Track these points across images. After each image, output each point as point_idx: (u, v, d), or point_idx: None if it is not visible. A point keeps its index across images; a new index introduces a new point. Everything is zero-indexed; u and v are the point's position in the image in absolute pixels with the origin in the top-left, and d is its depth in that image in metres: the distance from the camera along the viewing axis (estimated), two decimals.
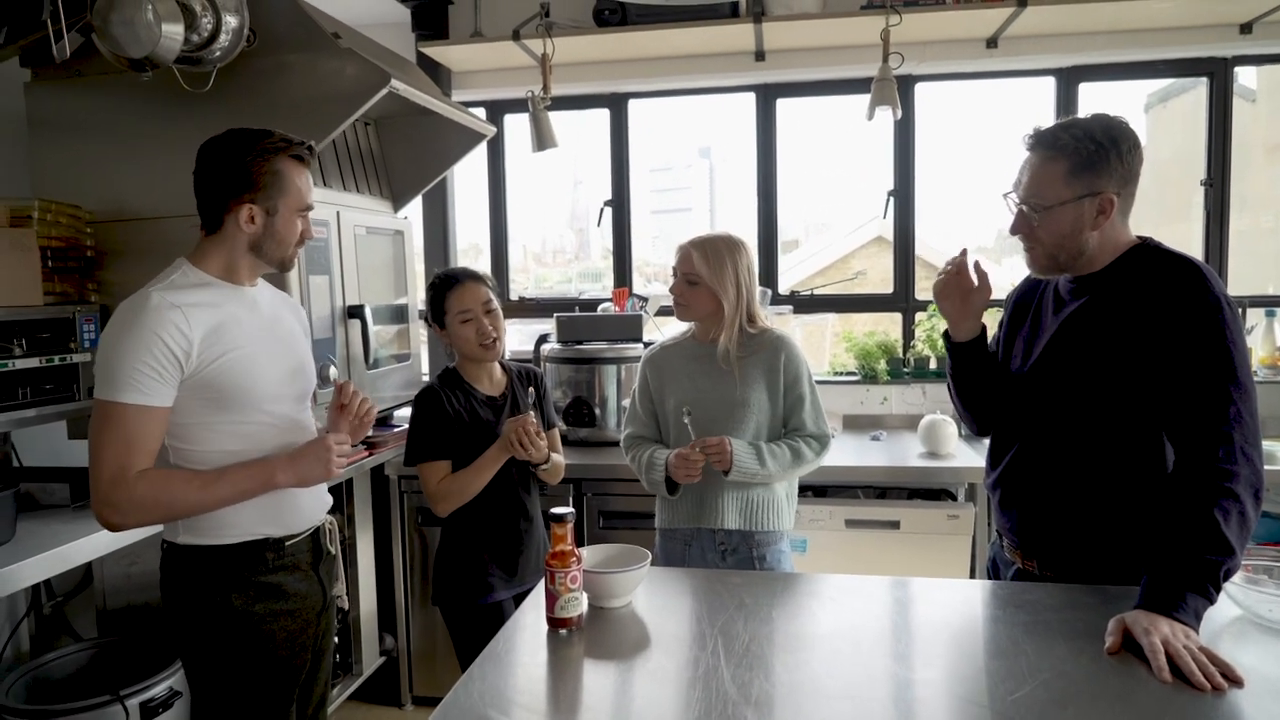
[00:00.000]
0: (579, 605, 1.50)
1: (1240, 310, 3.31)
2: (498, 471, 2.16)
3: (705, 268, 2.11)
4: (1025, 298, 1.80)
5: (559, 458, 2.32)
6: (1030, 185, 1.58)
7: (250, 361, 1.65)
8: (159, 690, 2.31)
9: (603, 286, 3.90)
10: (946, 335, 1.81)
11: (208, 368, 1.59)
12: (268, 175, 1.64)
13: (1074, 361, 1.62)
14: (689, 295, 2.15)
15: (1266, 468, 1.46)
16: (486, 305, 2.21)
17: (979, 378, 1.80)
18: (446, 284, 2.23)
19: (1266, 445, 2.56)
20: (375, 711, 3.22)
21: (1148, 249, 1.60)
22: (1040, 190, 1.56)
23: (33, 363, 2.20)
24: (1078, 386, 1.61)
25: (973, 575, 2.76)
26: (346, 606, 1.94)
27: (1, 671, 2.47)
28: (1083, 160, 1.52)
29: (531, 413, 2.15)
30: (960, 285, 1.74)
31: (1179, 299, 1.50)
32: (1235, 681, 1.26)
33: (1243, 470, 1.43)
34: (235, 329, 1.64)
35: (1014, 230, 1.63)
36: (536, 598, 1.63)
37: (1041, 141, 1.56)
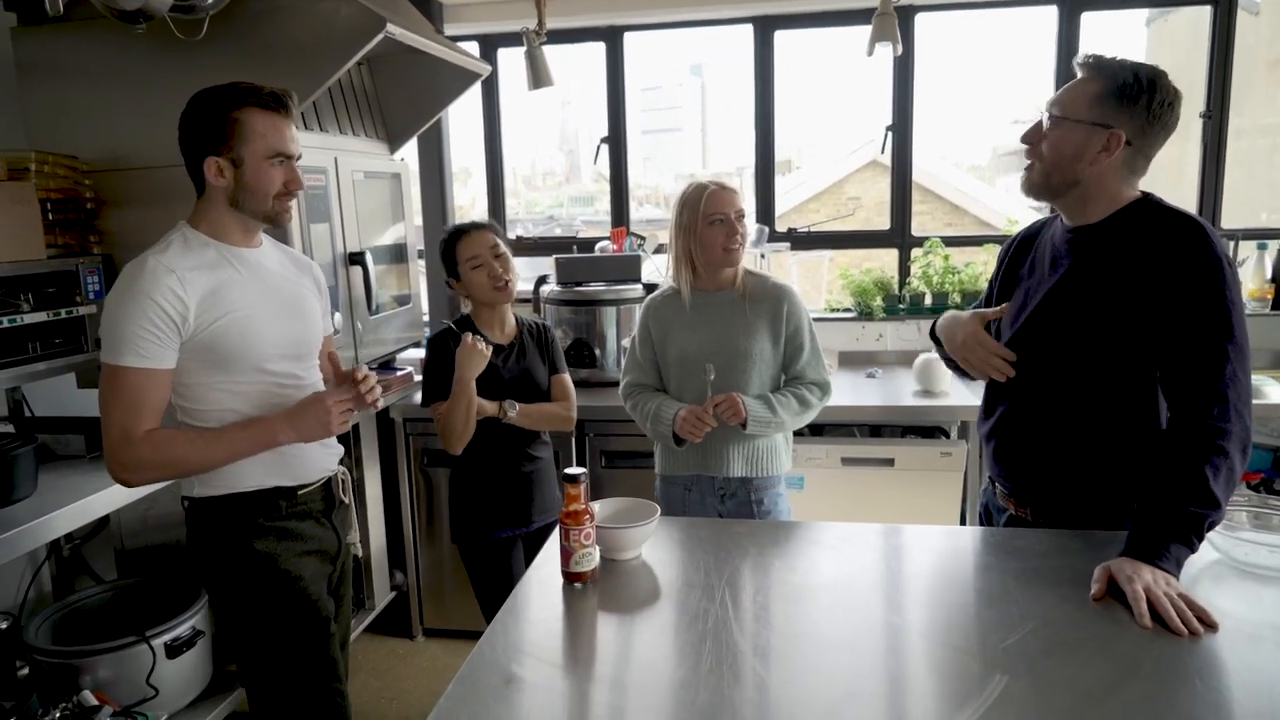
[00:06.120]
0: (592, 560, 1.57)
1: (1234, 242, 3.35)
2: (501, 423, 2.26)
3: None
4: (1026, 243, 1.82)
5: (553, 407, 2.37)
6: (1061, 95, 1.62)
7: (248, 323, 1.67)
8: (182, 630, 2.40)
9: (595, 210, 3.88)
10: (937, 342, 1.87)
11: (205, 330, 1.62)
12: (230, 125, 1.63)
13: (1071, 316, 1.64)
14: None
15: (1256, 402, 1.51)
16: (494, 249, 2.28)
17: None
18: (455, 237, 2.32)
19: (1256, 379, 2.64)
20: (388, 643, 3.36)
21: (1149, 205, 1.61)
22: (1067, 102, 1.60)
23: (40, 317, 2.22)
24: (1074, 341, 1.64)
25: (964, 511, 2.86)
26: (360, 554, 2.01)
27: (27, 613, 2.56)
28: (1114, 88, 1.54)
29: (481, 343, 2.20)
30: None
31: (1181, 258, 1.53)
32: (1210, 626, 1.34)
33: (1234, 428, 1.48)
34: (234, 291, 1.66)
35: (1025, 136, 1.66)
36: (550, 550, 1.70)
37: (1090, 64, 1.60)
